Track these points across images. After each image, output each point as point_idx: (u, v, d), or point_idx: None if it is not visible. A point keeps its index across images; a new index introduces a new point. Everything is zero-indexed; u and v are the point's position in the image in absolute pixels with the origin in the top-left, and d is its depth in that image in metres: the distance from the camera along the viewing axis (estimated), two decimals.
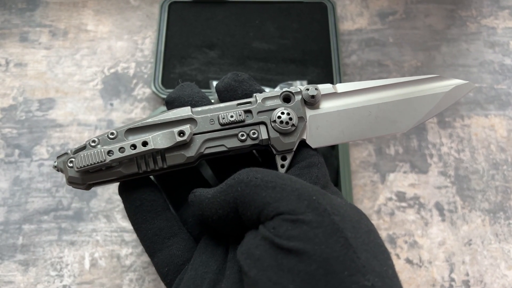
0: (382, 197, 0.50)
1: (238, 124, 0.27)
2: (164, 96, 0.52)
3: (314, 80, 0.54)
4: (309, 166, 0.27)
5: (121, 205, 0.49)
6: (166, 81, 0.54)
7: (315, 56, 0.56)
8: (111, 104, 0.55)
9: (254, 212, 0.22)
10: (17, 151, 0.52)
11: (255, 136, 0.27)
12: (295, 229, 0.21)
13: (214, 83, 0.52)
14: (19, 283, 0.46)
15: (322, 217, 0.21)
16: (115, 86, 0.56)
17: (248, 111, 0.27)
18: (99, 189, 0.50)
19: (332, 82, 0.54)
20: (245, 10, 0.59)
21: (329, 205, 0.22)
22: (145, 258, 0.47)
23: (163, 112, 0.27)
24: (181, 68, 0.55)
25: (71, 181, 0.26)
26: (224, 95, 0.29)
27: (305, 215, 0.21)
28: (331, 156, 0.50)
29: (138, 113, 0.54)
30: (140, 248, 0.47)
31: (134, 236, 0.48)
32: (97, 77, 0.57)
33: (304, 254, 0.20)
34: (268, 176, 0.23)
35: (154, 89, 0.52)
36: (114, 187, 0.49)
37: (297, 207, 0.21)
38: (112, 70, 0.57)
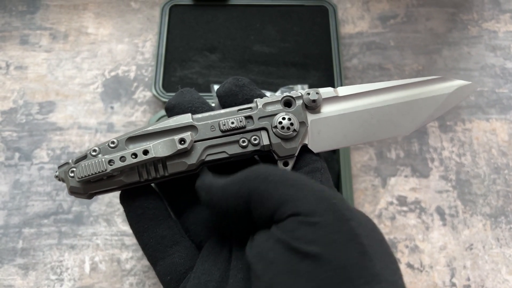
0: (383, 201, 0.50)
1: (239, 130, 0.26)
2: (165, 100, 0.52)
3: (315, 84, 0.54)
4: (312, 172, 0.26)
5: (121, 209, 0.49)
6: (167, 85, 0.53)
7: (316, 59, 0.56)
8: (112, 107, 0.55)
9: (269, 207, 0.22)
10: (17, 154, 0.52)
11: (256, 142, 0.27)
12: (313, 233, 0.20)
13: (215, 86, 0.51)
14: (19, 287, 0.46)
15: (341, 221, 0.21)
16: (116, 89, 0.56)
17: (249, 117, 0.27)
18: None
19: (333, 86, 0.54)
20: (246, 13, 0.59)
21: (347, 210, 0.21)
22: (146, 262, 0.47)
23: (163, 118, 0.27)
24: (181, 72, 0.55)
25: (73, 191, 0.25)
26: (225, 100, 0.28)
27: (323, 218, 0.20)
28: (332, 160, 0.50)
29: (138, 117, 0.54)
30: (141, 252, 0.47)
31: (135, 240, 0.48)
32: (98, 80, 0.57)
33: (321, 259, 0.19)
34: (288, 173, 0.23)
35: (154, 93, 0.52)
36: None
37: (316, 209, 0.21)
38: (113, 73, 0.57)
